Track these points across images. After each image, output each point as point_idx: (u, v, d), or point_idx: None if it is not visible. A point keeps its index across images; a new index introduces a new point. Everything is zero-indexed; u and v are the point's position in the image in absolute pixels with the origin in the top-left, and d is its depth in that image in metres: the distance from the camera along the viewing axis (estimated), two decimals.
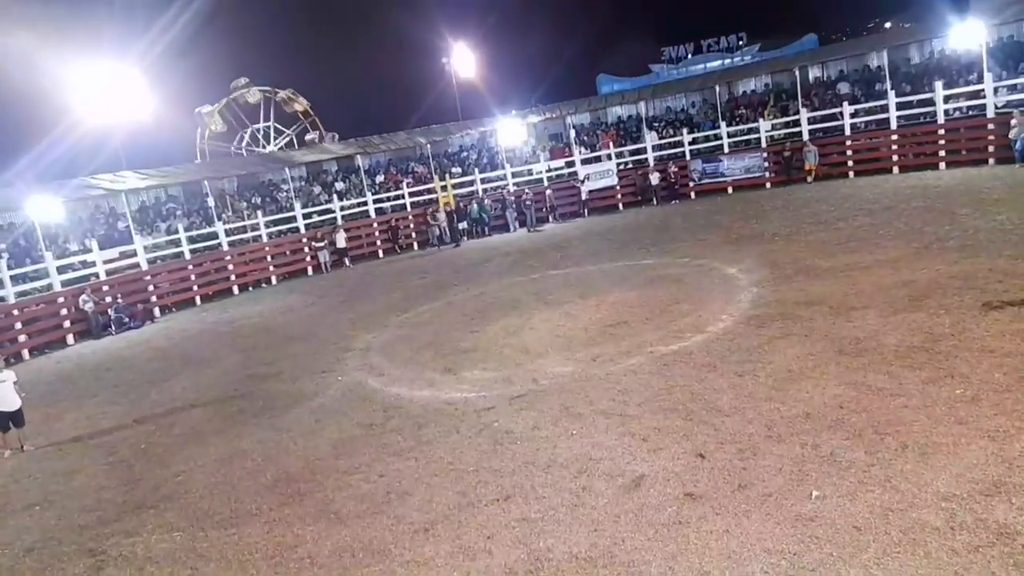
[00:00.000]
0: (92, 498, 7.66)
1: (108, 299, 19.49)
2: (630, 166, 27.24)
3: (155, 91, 29.53)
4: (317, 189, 28.58)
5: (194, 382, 12.04)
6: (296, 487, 6.95)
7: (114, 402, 11.67)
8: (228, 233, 23.68)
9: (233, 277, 23.12)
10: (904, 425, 5.81)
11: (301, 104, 40.54)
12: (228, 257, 23.21)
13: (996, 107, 19.97)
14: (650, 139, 27.17)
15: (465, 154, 31.17)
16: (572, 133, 29.61)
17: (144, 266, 21.28)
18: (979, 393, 6.14)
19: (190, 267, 22.25)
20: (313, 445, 8.01)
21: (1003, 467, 4.95)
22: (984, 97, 20.22)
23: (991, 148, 19.80)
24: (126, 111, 27.44)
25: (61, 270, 19.40)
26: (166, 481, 7.76)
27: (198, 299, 22.04)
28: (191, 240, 22.83)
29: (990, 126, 19.84)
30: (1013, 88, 20.10)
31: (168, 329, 18.21)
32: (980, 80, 20.49)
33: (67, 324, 18.64)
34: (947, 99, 21.06)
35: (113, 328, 18.68)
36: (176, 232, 22.76)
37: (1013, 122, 18.47)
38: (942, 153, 20.91)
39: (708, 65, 52.44)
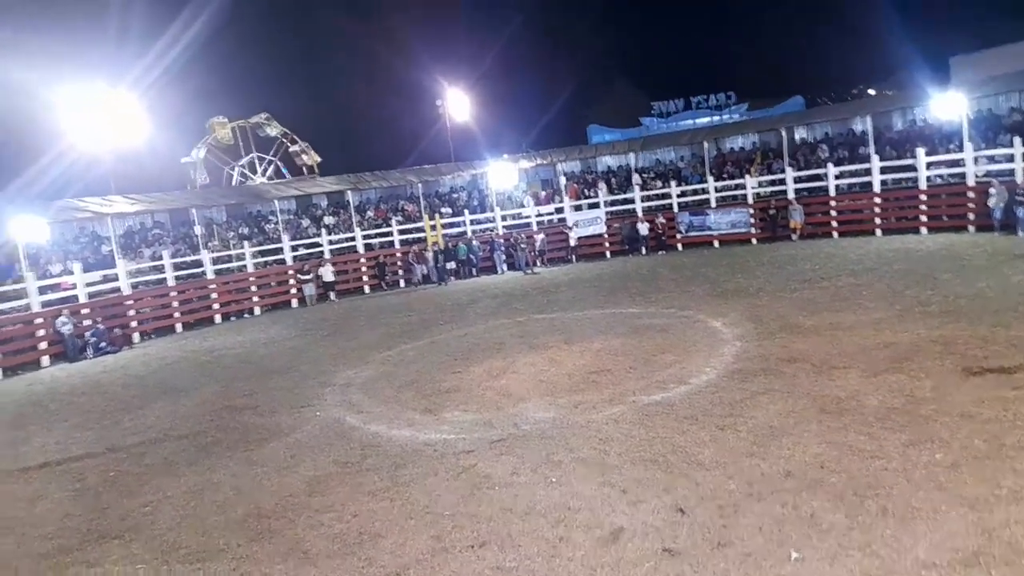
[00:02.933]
0: (55, 525, 7.43)
1: (87, 322, 19.22)
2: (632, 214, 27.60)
3: (151, 115, 29.73)
4: (306, 222, 28.63)
5: (169, 411, 11.81)
6: (267, 524, 6.78)
7: (85, 428, 11.41)
8: (214, 262, 23.55)
9: (216, 306, 22.92)
10: (884, 488, 5.80)
11: (275, 127, 40.47)
12: (212, 285, 23.04)
13: (976, 176, 20.49)
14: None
15: (456, 195, 31.42)
16: (562, 180, 29.99)
17: (126, 291, 21.06)
18: (959, 459, 6.15)
19: (173, 293, 22.05)
20: (287, 481, 7.85)
21: (983, 537, 4.93)
22: (964, 166, 20.76)
23: (971, 216, 20.26)
24: (119, 135, 27.50)
25: (42, 291, 19.16)
26: (133, 511, 7.54)
27: (179, 326, 21.79)
28: (176, 267, 22.68)
29: (970, 194, 20.34)
30: (991, 158, 20.67)
31: (146, 355, 17.94)
32: (961, 149, 21.06)
33: (43, 346, 18.33)
34: (929, 166, 21.60)
35: (90, 352, 18.38)
36: (160, 259, 22.61)
37: (992, 191, 18.92)
38: (924, 218, 21.36)
39: (697, 121, 53.56)
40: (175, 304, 22.05)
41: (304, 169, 40.63)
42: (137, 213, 25.92)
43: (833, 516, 5.46)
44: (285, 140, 40.49)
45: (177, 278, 22.53)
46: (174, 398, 12.71)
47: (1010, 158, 19.79)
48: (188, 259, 23.63)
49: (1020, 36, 28.27)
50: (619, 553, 5.35)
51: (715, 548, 5.23)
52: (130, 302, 20.94)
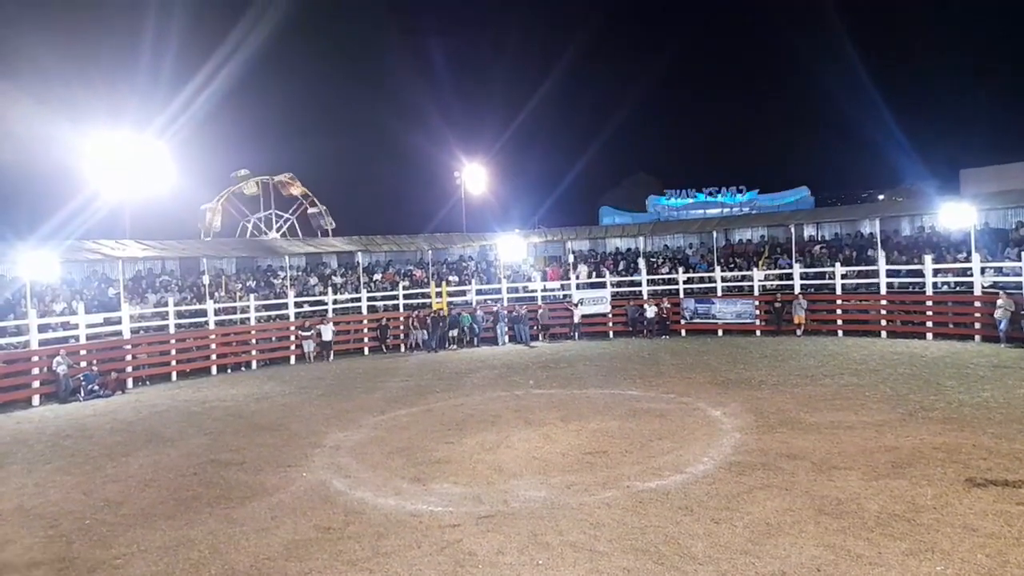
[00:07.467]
0: (20, 574, 7.16)
1: (83, 364, 19.09)
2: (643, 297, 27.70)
3: (174, 162, 30.47)
4: (314, 280, 28.78)
5: (153, 460, 11.58)
6: None
7: (66, 472, 11.16)
8: (217, 312, 23.56)
9: (214, 357, 22.79)
10: None
11: (298, 187, 41.31)
12: (212, 336, 22.97)
13: (983, 286, 20.54)
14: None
15: (464, 263, 31.67)
16: (571, 258, 30.24)
17: (126, 335, 21.00)
18: (960, 573, 5.93)
19: (172, 341, 21.96)
20: (265, 543, 7.60)
21: None
22: (971, 275, 20.84)
23: (978, 325, 20.21)
24: (141, 180, 28.11)
25: (42, 329, 19.11)
26: (103, 564, 7.28)
27: (174, 375, 21.62)
28: (179, 315, 22.66)
29: (977, 304, 20.34)
30: (999, 270, 20.76)
31: (137, 402, 17.73)
32: (968, 258, 21.19)
33: (35, 384, 18.15)
34: (936, 272, 21.70)
35: (81, 394, 18.18)
36: (165, 305, 22.64)
37: (999, 302, 18.91)
38: (930, 324, 21.31)
39: (707, 211, 54.55)
40: (173, 352, 21.93)
41: (319, 232, 41.34)
42: (148, 258, 26.11)
43: None
44: (305, 202, 41.32)
45: (179, 326, 22.49)
46: (159, 447, 12.48)
47: (1018, 271, 19.89)
48: (192, 307, 23.65)
49: None
50: None
51: None
52: (128, 346, 20.83)
